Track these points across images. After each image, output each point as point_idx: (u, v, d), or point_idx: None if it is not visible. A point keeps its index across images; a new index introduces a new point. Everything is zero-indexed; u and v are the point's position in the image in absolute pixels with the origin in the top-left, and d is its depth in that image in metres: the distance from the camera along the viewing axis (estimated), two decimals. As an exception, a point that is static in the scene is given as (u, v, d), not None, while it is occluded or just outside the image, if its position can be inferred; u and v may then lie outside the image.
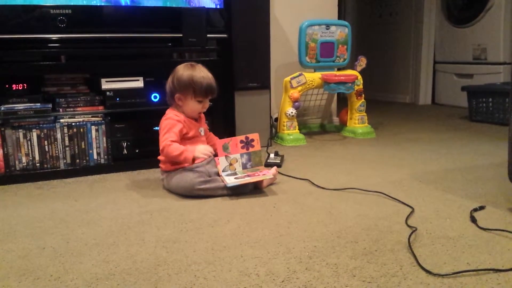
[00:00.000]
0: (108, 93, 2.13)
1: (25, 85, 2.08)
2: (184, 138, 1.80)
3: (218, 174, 1.78)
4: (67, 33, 2.05)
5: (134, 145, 2.16)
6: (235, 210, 1.55)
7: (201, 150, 1.77)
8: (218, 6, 2.32)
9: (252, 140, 1.84)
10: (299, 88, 2.73)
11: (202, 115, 1.91)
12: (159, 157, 1.83)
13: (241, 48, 2.46)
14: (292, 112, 2.71)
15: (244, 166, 1.81)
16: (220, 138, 2.04)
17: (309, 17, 2.83)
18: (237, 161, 1.77)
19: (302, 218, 1.45)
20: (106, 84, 2.12)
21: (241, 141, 1.83)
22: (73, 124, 2.05)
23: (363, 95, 2.89)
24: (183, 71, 1.79)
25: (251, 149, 1.82)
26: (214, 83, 1.81)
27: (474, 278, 1.05)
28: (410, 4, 4.53)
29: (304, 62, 2.79)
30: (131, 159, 2.15)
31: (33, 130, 1.99)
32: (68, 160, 2.06)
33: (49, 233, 1.37)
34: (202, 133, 1.88)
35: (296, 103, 2.72)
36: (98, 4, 2.10)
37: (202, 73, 1.79)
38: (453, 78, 4.26)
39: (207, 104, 1.84)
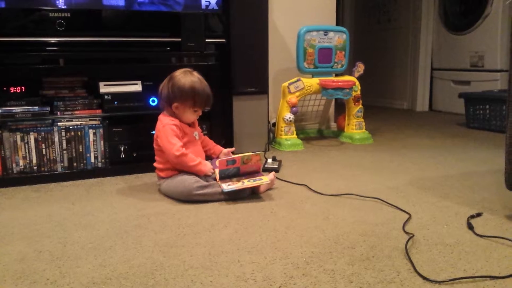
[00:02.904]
0: (106, 96, 2.13)
1: (23, 88, 2.07)
2: (179, 143, 1.79)
3: (215, 179, 1.78)
4: (66, 36, 2.06)
5: (131, 149, 2.16)
6: (232, 215, 1.55)
7: (210, 170, 1.78)
8: (216, 11, 2.32)
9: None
10: (297, 93, 2.73)
11: (196, 120, 1.91)
12: (155, 164, 1.82)
13: (239, 53, 2.46)
14: (289, 117, 2.71)
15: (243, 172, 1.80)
16: (217, 142, 2.05)
17: (307, 23, 2.84)
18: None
19: (299, 223, 1.46)
20: (104, 88, 2.12)
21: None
22: (70, 127, 2.05)
23: (360, 101, 2.90)
24: (184, 79, 1.76)
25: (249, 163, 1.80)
26: (211, 93, 1.82)
27: (471, 285, 1.05)
28: (408, 11, 4.56)
29: (302, 68, 2.80)
30: (129, 163, 2.15)
31: (31, 133, 1.99)
32: (66, 164, 2.05)
33: (46, 236, 1.37)
34: (197, 137, 1.88)
35: (294, 109, 2.73)
36: (97, 8, 2.10)
37: (202, 83, 1.78)
38: (451, 85, 4.28)
39: (200, 113, 1.85)
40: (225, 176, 1.76)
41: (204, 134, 2.09)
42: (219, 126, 2.34)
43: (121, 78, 2.15)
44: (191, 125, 1.86)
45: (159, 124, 1.80)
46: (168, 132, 1.74)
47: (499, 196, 1.72)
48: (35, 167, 2.01)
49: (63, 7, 2.01)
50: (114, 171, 2.11)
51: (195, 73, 1.81)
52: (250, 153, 1.77)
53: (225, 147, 2.04)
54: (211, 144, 1.99)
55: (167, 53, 2.37)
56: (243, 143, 2.54)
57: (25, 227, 1.45)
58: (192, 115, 1.82)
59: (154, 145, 1.82)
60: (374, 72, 4.75)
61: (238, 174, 1.78)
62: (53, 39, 2.06)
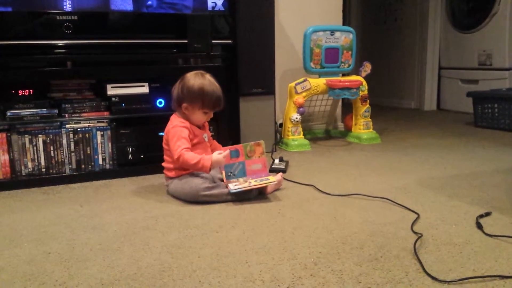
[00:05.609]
0: (113, 98, 2.13)
1: (31, 90, 2.09)
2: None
3: (222, 180, 1.78)
4: (73, 39, 2.07)
5: (139, 151, 2.16)
6: (240, 216, 1.55)
7: (219, 158, 1.72)
8: (222, 12, 2.33)
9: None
10: (304, 93, 2.73)
11: (206, 122, 1.91)
12: (164, 164, 1.83)
13: (245, 54, 2.47)
14: (296, 118, 2.71)
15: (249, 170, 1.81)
16: (225, 143, 2.05)
17: (314, 23, 2.84)
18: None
19: (307, 224, 1.45)
20: (112, 90, 2.13)
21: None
22: (78, 129, 2.06)
23: (368, 101, 2.89)
24: (194, 81, 1.77)
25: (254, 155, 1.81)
26: (222, 95, 1.81)
27: (480, 284, 1.04)
28: (415, 10, 4.54)
29: (309, 68, 2.79)
30: (136, 164, 2.16)
31: (39, 135, 2.00)
32: (74, 166, 2.06)
33: (55, 238, 1.38)
34: (206, 139, 1.88)
35: (301, 109, 2.73)
36: (104, 11, 2.11)
37: (212, 85, 1.78)
38: (458, 84, 4.25)
39: (211, 115, 1.85)
40: (231, 175, 1.77)
41: (212, 136, 2.09)
42: (226, 127, 2.34)
43: (129, 80, 2.16)
44: (201, 127, 1.86)
45: (169, 125, 1.80)
46: (175, 134, 1.75)
47: (508, 195, 1.71)
48: (43, 169, 2.02)
49: (70, 10, 2.02)
50: (121, 173, 2.12)
51: (207, 76, 1.81)
52: (251, 142, 1.78)
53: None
54: (219, 148, 1.99)
55: (174, 55, 2.38)
56: (250, 144, 2.54)
57: (34, 229, 1.46)
58: (202, 117, 1.82)
59: (163, 145, 1.83)
60: (381, 71, 4.74)
61: (244, 173, 1.79)
62: (60, 42, 2.07)
